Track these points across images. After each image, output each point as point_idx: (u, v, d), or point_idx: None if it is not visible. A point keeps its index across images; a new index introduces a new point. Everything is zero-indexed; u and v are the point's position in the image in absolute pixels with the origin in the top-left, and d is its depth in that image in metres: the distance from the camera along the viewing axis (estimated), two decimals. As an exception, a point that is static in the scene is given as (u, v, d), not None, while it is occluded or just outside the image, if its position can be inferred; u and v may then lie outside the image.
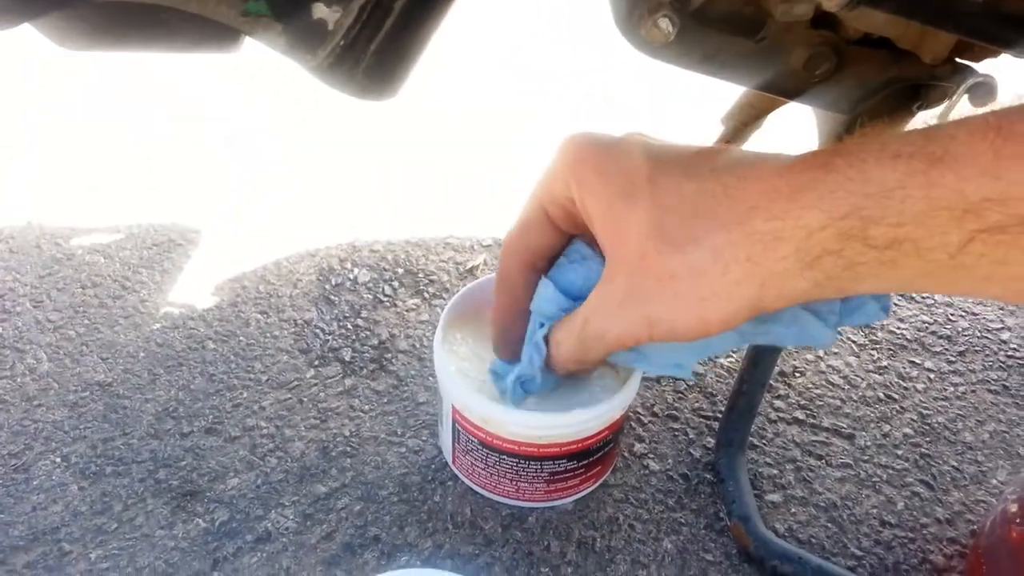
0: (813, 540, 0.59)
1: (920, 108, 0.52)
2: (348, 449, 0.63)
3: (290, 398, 0.67)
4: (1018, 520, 0.53)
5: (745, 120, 0.74)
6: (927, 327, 0.79)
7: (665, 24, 0.49)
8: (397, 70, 0.44)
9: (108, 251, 0.81)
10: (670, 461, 0.64)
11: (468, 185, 0.94)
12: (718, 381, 0.71)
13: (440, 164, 0.97)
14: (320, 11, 0.42)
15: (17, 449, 0.61)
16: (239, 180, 0.92)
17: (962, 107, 0.46)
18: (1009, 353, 0.77)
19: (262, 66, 1.12)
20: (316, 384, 0.68)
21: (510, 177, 0.95)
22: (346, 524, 0.58)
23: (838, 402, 0.70)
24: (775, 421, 0.68)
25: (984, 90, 0.46)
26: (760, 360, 0.63)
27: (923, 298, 0.82)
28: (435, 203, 0.90)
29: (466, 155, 0.98)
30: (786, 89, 0.52)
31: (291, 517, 0.58)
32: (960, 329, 0.79)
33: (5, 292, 0.75)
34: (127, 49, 0.50)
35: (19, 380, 0.67)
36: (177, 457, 0.62)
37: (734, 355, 0.74)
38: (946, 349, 0.77)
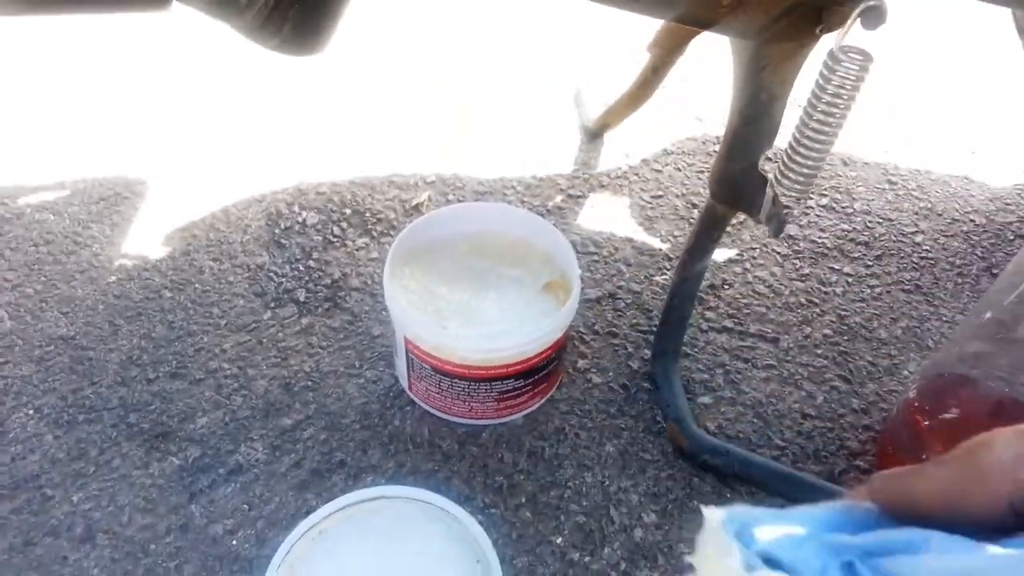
0: (741, 435, 0.65)
1: (822, 31, 0.55)
2: (310, 384, 0.67)
3: (250, 340, 0.70)
4: (917, 404, 0.60)
5: (668, 47, 0.78)
6: (846, 235, 0.85)
7: (582, -39, 0.52)
8: (322, 27, 0.46)
9: (56, 208, 0.82)
10: (611, 374, 0.69)
11: (409, 122, 0.95)
12: (654, 298, 0.76)
13: (380, 102, 0.98)
14: None
15: (-11, 405, 0.64)
16: (180, 128, 0.92)
17: (856, 31, 0.49)
18: (922, 255, 0.83)
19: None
20: (274, 325, 0.72)
21: (450, 114, 0.97)
22: (313, 452, 0.62)
23: (763, 309, 0.76)
24: (706, 331, 0.73)
25: (875, 14, 0.49)
26: (688, 275, 0.67)
27: (842, 207, 0.88)
28: (377, 141, 0.92)
29: (405, 92, 1.00)
30: (699, 20, 0.55)
31: (260, 450, 0.62)
32: (877, 235, 0.85)
33: (-44, 255, 0.76)
34: (61, 12, 0.51)
35: (-18, 340, 0.69)
36: (146, 402, 0.65)
37: (668, 272, 0.78)
38: (864, 254, 0.83)
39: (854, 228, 0.85)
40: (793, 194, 0.54)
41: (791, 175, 0.53)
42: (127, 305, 0.73)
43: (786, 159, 0.53)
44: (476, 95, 1.00)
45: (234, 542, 0.57)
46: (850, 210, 0.88)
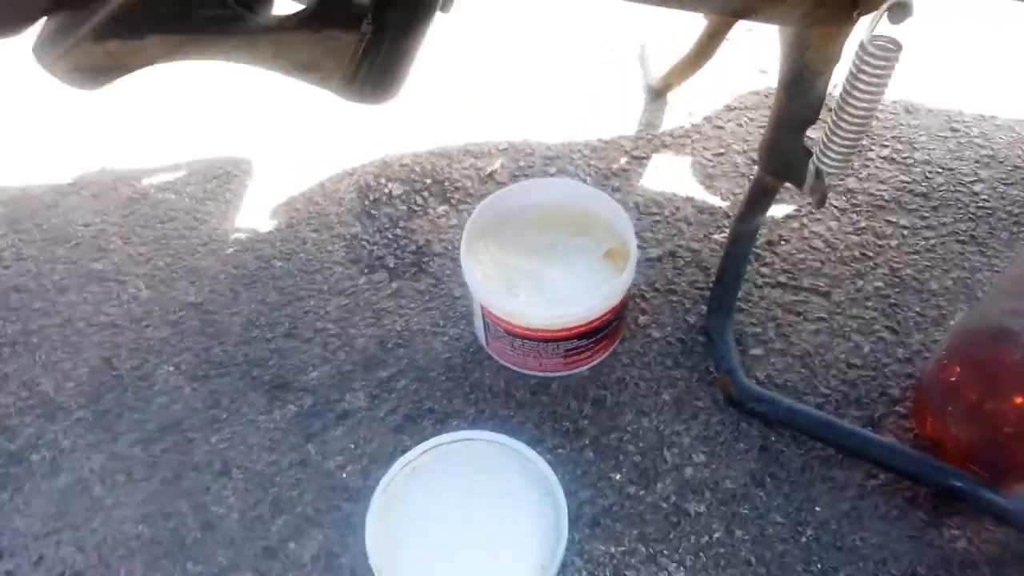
0: (788, 384, 0.72)
1: (860, 14, 0.59)
2: (401, 341, 0.77)
3: (348, 303, 0.80)
4: (945, 361, 0.64)
5: (712, 32, 0.82)
6: (905, 186, 0.87)
7: (628, -37, 0.57)
8: (397, 79, 0.54)
9: (176, 188, 0.93)
10: (669, 329, 0.76)
11: (479, 91, 1.02)
12: (712, 255, 0.82)
13: (449, 73, 1.05)
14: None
15: (137, 363, 0.76)
16: (275, 109, 1.02)
17: (883, 24, 0.53)
18: (980, 204, 0.86)
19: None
20: (368, 289, 0.81)
21: (519, 80, 1.03)
22: (406, 400, 0.72)
23: (818, 264, 0.81)
24: (761, 286, 0.79)
25: (900, 10, 0.52)
26: (741, 235, 0.73)
27: (903, 158, 0.90)
28: (452, 112, 0.99)
29: (473, 61, 1.06)
30: (739, 11, 0.60)
31: (362, 398, 0.72)
32: (936, 185, 0.88)
33: (98, 233, 0.89)
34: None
35: (126, 307, 0.81)
36: (265, 358, 0.76)
37: (727, 229, 0.84)
38: (921, 206, 0.86)
39: (913, 179, 0.88)
40: (834, 169, 0.59)
41: (831, 152, 0.58)
42: (244, 274, 0.84)
43: (826, 137, 0.57)
44: (541, 59, 1.05)
45: (344, 475, 0.68)
46: (910, 160, 0.90)
